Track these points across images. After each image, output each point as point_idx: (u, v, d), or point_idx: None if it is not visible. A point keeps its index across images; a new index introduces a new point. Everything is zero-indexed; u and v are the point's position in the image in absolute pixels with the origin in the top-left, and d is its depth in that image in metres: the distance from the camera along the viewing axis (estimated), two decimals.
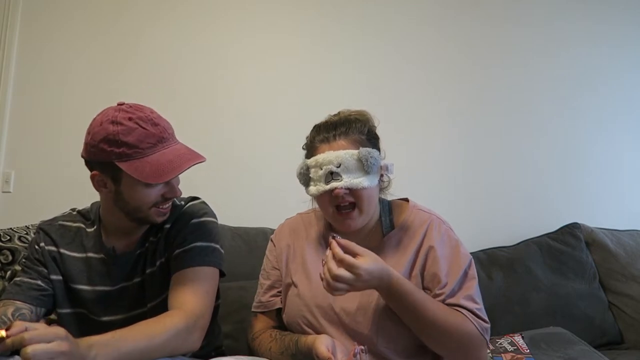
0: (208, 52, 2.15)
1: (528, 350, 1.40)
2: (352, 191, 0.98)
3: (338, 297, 1.01)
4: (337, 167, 0.97)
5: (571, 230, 1.96)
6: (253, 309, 1.17)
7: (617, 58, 2.29)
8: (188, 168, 0.99)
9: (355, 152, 0.98)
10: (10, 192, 2.04)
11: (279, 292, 1.14)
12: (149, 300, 1.10)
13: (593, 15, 2.30)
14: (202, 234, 1.09)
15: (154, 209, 1.04)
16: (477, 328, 0.95)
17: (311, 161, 1.01)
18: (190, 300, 0.98)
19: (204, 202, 1.19)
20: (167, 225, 1.11)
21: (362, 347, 0.87)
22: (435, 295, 0.99)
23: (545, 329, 1.63)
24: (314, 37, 2.20)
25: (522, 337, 1.49)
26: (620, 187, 2.21)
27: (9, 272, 1.47)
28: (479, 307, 0.99)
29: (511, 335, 1.55)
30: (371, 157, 0.98)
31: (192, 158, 1.00)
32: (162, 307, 1.01)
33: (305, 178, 1.03)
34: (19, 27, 2.13)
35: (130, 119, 0.97)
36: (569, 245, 1.92)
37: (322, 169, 0.99)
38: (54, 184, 1.98)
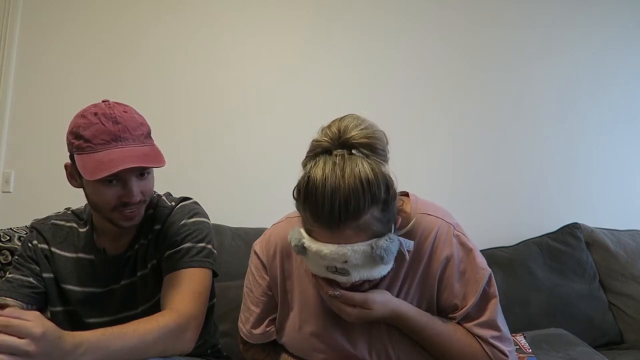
0: (208, 54, 2.15)
1: (530, 350, 1.40)
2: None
3: (339, 328, 0.93)
4: (343, 263, 0.78)
5: (571, 230, 1.96)
6: (243, 337, 1.04)
7: (616, 60, 2.29)
8: (125, 169, 0.92)
9: (368, 248, 0.76)
10: (10, 192, 2.04)
11: (273, 318, 1.01)
12: (141, 303, 1.09)
13: (594, 17, 2.31)
14: (193, 234, 1.07)
15: (116, 213, 1.00)
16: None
17: (310, 245, 0.79)
18: (183, 302, 0.96)
19: (195, 203, 1.16)
20: (158, 227, 1.10)
21: None
22: (450, 318, 0.93)
23: (546, 330, 1.64)
24: (315, 39, 2.20)
25: (524, 337, 1.49)
26: (620, 187, 2.21)
27: (8, 272, 1.46)
28: (497, 334, 0.89)
29: (513, 334, 1.55)
30: (389, 250, 0.77)
31: (138, 161, 0.94)
32: (154, 310, 0.99)
33: (301, 251, 0.82)
34: (19, 27, 2.12)
35: (95, 114, 0.96)
36: (569, 245, 1.92)
37: (324, 260, 0.79)
38: (54, 184, 1.97)
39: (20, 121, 2.07)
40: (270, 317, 1.01)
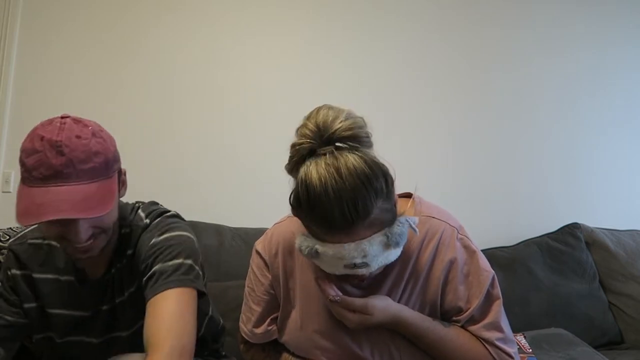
0: (208, 54, 2.15)
1: (530, 350, 1.40)
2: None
3: (343, 326, 0.92)
4: (362, 257, 0.76)
5: (571, 230, 1.97)
6: (245, 336, 1.03)
7: (616, 60, 2.30)
8: (46, 220, 0.80)
9: (384, 237, 0.76)
10: (10, 192, 2.03)
11: (275, 317, 1.00)
12: (124, 329, 1.03)
13: (594, 17, 2.31)
14: (164, 253, 0.95)
15: (68, 248, 0.90)
16: None
17: (324, 250, 0.77)
18: (165, 333, 0.85)
19: (171, 216, 1.05)
20: (130, 252, 1.01)
21: None
22: (454, 321, 0.92)
23: (546, 330, 1.64)
24: (315, 39, 2.20)
25: (524, 337, 1.49)
26: (620, 187, 2.21)
27: None
28: (501, 336, 0.89)
29: (513, 334, 1.55)
30: (403, 234, 0.78)
31: (69, 210, 0.80)
32: (139, 334, 0.91)
33: (315, 257, 0.80)
34: (19, 27, 2.12)
35: (42, 138, 0.85)
36: (569, 245, 1.93)
37: (343, 260, 0.77)
38: None
39: (20, 121, 2.07)
40: (272, 316, 1.00)
